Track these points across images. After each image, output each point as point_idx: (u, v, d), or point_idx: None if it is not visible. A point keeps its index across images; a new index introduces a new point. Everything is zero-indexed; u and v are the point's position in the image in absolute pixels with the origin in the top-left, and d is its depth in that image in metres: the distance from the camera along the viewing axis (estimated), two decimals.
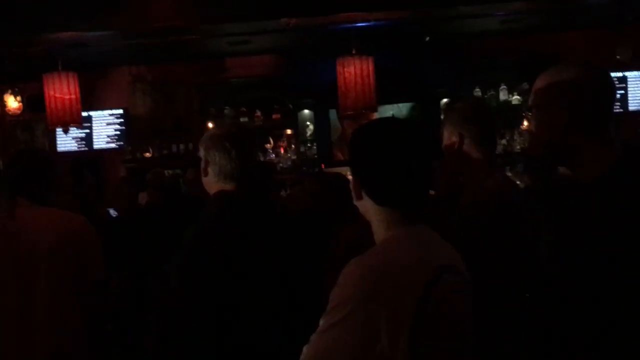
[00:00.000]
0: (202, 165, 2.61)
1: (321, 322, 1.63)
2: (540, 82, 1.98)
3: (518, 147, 9.01)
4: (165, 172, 9.12)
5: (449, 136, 2.81)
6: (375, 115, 8.07)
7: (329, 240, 3.24)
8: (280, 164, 9.26)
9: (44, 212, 2.82)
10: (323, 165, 9.16)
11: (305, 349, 1.66)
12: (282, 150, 9.34)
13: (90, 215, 6.76)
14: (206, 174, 2.59)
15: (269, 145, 9.32)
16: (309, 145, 9.36)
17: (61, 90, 6.17)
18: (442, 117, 9.14)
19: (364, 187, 1.77)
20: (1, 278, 2.70)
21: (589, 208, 1.81)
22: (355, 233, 2.88)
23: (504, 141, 8.96)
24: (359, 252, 1.75)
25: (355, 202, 1.83)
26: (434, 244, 1.75)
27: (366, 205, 1.79)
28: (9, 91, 9.41)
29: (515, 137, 9.07)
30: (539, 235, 2.29)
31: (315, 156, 9.29)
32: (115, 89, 9.42)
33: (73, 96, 6.22)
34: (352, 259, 1.66)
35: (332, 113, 8.94)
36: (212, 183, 2.59)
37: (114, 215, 7.19)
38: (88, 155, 9.48)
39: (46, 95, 6.20)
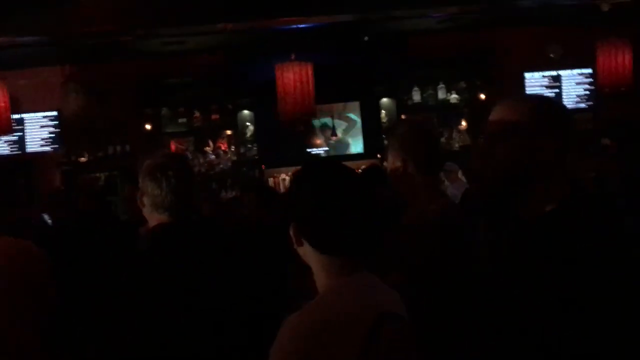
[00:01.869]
0: (139, 195, 2.58)
1: None
2: (500, 111, 1.89)
3: (457, 145, 9.12)
4: (101, 175, 9.02)
5: (393, 161, 2.79)
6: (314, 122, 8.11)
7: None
8: (221, 165, 9.17)
9: (4, 241, 2.79)
10: (263, 167, 9.11)
11: None
12: (222, 151, 9.24)
13: (23, 221, 6.60)
14: (143, 205, 2.58)
15: (208, 147, 9.20)
16: (249, 146, 9.28)
17: None
18: (381, 116, 9.22)
19: (302, 235, 1.73)
20: None
21: (525, 247, 1.80)
22: None
23: (442, 139, 9.06)
24: None
25: (296, 248, 1.79)
26: (374, 291, 1.73)
27: (306, 252, 1.75)
28: None
29: (454, 136, 9.18)
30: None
31: (256, 157, 9.22)
32: (47, 90, 9.11)
33: (2, 104, 5.99)
34: (290, 315, 1.63)
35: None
36: (148, 214, 2.58)
37: (49, 222, 7.00)
38: (21, 159, 9.16)
39: None
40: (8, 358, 2.68)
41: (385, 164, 8.61)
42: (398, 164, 2.74)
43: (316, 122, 8.99)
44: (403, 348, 1.68)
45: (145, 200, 2.55)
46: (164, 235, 2.51)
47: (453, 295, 2.46)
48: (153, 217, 2.56)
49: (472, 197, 4.31)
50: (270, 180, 9.13)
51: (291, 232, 1.75)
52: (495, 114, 1.88)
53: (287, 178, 9.09)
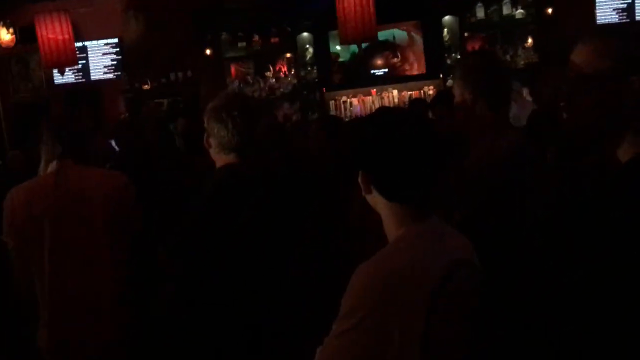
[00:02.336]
0: (205, 137, 2.60)
1: (334, 326, 1.63)
2: (585, 53, 1.70)
3: (522, 63, 8.85)
4: (164, 101, 9.13)
5: (460, 93, 2.70)
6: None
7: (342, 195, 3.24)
8: (281, 89, 9.16)
9: (92, 171, 2.99)
10: (324, 89, 9.06)
11: (318, 351, 1.66)
12: (282, 75, 9.21)
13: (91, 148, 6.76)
14: (210, 146, 2.59)
15: (268, 72, 9.18)
16: (309, 68, 9.21)
17: (54, 30, 6.00)
18: (444, 34, 8.99)
19: (372, 182, 1.72)
20: (64, 233, 2.82)
21: (610, 195, 1.69)
22: None
23: (507, 57, 8.80)
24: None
25: (365, 195, 1.78)
26: (446, 238, 1.72)
27: (376, 200, 1.74)
28: (1, 23, 9.20)
29: (519, 53, 8.89)
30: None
31: (316, 80, 9.15)
32: (109, 17, 9.19)
33: (66, 36, 6.06)
34: (362, 264, 1.64)
35: (333, 35, 8.72)
36: (214, 155, 2.60)
37: (116, 149, 7.16)
38: (86, 86, 9.34)
39: (39, 36, 6.05)
40: (100, 287, 2.87)
41: (448, 84, 8.56)
42: (466, 96, 2.66)
43: (377, 43, 8.80)
44: (474, 294, 1.68)
45: (212, 141, 2.56)
46: (230, 177, 2.52)
47: (519, 233, 2.43)
48: (220, 158, 2.57)
49: (540, 122, 4.19)
50: (331, 103, 9.09)
51: (359, 180, 1.74)
52: (579, 55, 1.73)
53: (348, 100, 9.03)
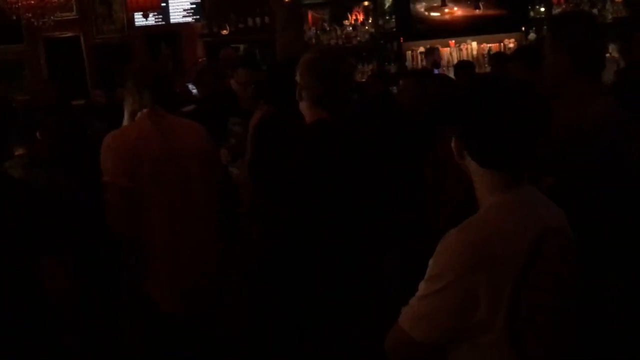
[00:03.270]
0: (297, 90, 2.61)
1: (420, 287, 1.65)
2: None
3: (610, 17, 8.49)
4: (241, 46, 9.17)
5: (553, 53, 2.61)
6: None
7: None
8: (357, 38, 9.07)
9: (181, 120, 3.06)
10: (402, 39, 8.93)
11: (403, 311, 1.69)
12: (359, 23, 9.11)
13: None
14: (301, 99, 2.60)
15: (346, 21, 9.09)
16: (387, 17, 9.08)
17: None
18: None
19: (466, 147, 1.71)
20: (167, 177, 2.86)
21: None
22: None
23: (595, 10, 8.46)
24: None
25: (457, 161, 1.78)
26: (539, 206, 1.71)
27: (469, 166, 1.74)
28: None
29: (607, 7, 8.53)
30: None
31: (394, 29, 9.02)
32: None
33: None
34: (453, 229, 1.64)
35: None
36: (305, 108, 2.60)
37: (194, 92, 7.25)
38: (165, 29, 9.47)
39: None
40: (210, 227, 2.99)
41: (530, 37, 8.32)
42: (559, 57, 2.57)
43: None
44: (564, 263, 1.67)
45: (304, 94, 2.56)
46: (322, 131, 2.53)
47: (614, 199, 2.38)
48: (311, 112, 2.57)
49: (632, 85, 4.03)
50: (408, 54, 8.97)
51: (453, 145, 1.74)
52: None
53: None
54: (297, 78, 2.59)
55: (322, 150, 2.51)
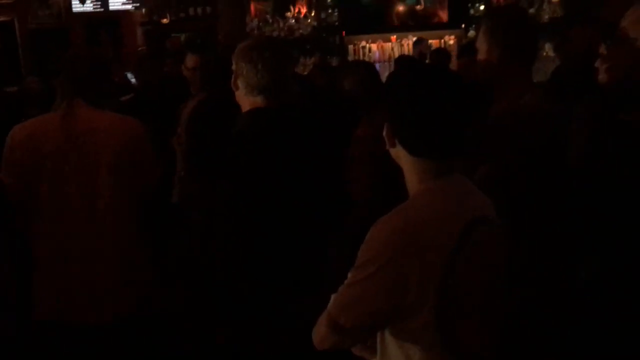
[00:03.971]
0: (233, 78, 2.56)
1: (349, 275, 1.66)
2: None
3: (546, 17, 8.70)
4: (182, 36, 9.05)
5: (486, 49, 2.66)
6: None
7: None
8: (300, 31, 9.07)
9: (103, 115, 2.84)
10: (344, 33, 8.96)
11: (332, 297, 1.70)
12: (301, 16, 9.11)
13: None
14: (237, 88, 2.53)
15: (289, 12, 9.07)
16: (329, 11, 9.10)
17: None
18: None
19: (396, 135, 1.73)
20: (66, 176, 2.71)
21: None
22: (372, 130, 2.87)
23: (532, 10, 8.66)
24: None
25: (388, 149, 1.79)
26: (467, 195, 1.73)
27: (399, 154, 1.75)
28: None
29: (544, 7, 8.73)
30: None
31: (336, 23, 9.05)
32: None
33: None
34: (383, 216, 1.66)
35: None
36: (242, 96, 2.54)
37: (132, 81, 7.13)
38: (104, 16, 9.27)
39: None
40: (100, 239, 2.77)
41: (469, 34, 8.44)
42: (493, 52, 2.62)
43: None
44: (494, 251, 1.69)
45: (240, 82, 2.51)
46: (257, 119, 2.50)
47: (548, 187, 2.44)
48: (247, 100, 2.52)
49: (565, 79, 4.14)
50: (350, 48, 9.00)
51: (384, 133, 1.75)
52: (628, 19, 1.81)
53: (367, 46, 8.94)
54: (233, 66, 2.55)
55: (257, 138, 2.48)
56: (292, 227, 2.43)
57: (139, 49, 8.95)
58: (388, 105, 1.73)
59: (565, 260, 2.33)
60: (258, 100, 2.49)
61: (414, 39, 8.87)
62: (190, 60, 4.12)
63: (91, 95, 2.80)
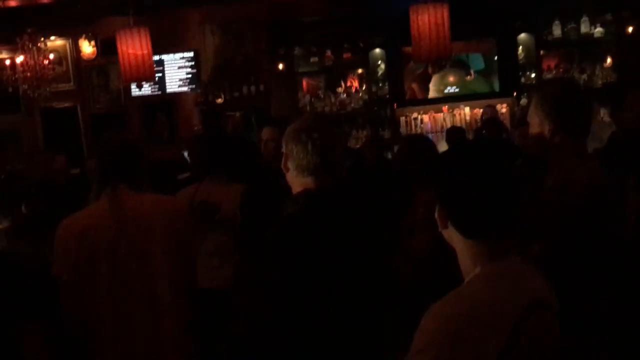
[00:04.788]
0: (283, 160, 2.55)
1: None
2: None
3: (600, 82, 8.63)
4: (236, 114, 9.27)
5: (538, 123, 2.62)
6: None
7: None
8: (352, 104, 9.19)
9: (146, 198, 2.86)
10: (395, 105, 9.03)
11: None
12: (353, 90, 9.24)
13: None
14: (287, 170, 2.50)
15: (340, 88, 9.23)
16: (380, 84, 9.21)
17: (133, 46, 6.18)
18: (519, 52, 8.85)
19: (449, 218, 1.70)
20: (125, 265, 2.72)
21: None
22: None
23: (584, 76, 8.62)
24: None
25: (441, 231, 1.76)
26: (523, 278, 1.69)
27: (452, 236, 1.72)
28: (83, 36, 9.53)
29: (597, 72, 8.68)
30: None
31: (387, 96, 9.14)
32: (185, 31, 9.45)
33: (145, 51, 6.23)
34: (438, 301, 1.62)
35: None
36: (293, 178, 2.50)
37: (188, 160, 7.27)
38: (160, 99, 9.59)
39: (119, 51, 6.24)
40: (163, 320, 2.77)
41: (521, 102, 8.41)
42: (544, 127, 2.59)
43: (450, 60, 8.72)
44: (549, 338, 1.64)
45: (290, 164, 2.48)
46: (308, 202, 2.45)
47: (602, 263, 2.36)
48: (297, 182, 2.49)
49: (621, 147, 4.07)
50: (402, 120, 9.06)
51: (436, 215, 1.73)
52: None
53: (419, 117, 8.99)
54: (283, 149, 2.55)
55: (308, 221, 2.45)
56: (344, 312, 2.38)
57: (195, 128, 9.18)
58: (440, 187, 1.72)
59: None
60: (309, 181, 2.45)
61: (466, 108, 8.90)
62: (266, 133, 4.28)
63: (131, 181, 2.82)
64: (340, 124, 8.71)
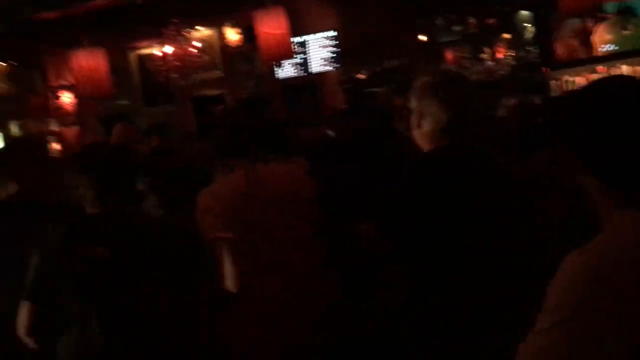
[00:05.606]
0: (415, 117, 2.43)
1: (537, 321, 1.46)
2: None
3: None
4: (380, 89, 9.19)
5: None
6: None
7: None
8: (500, 72, 8.82)
9: (276, 167, 3.05)
10: (546, 69, 8.54)
11: (521, 347, 1.50)
12: (500, 57, 8.86)
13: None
14: (419, 126, 2.41)
15: (485, 54, 8.88)
16: (528, 48, 8.76)
17: (270, 25, 6.27)
18: None
19: (588, 165, 1.50)
20: (265, 232, 2.86)
21: None
22: None
23: None
24: None
25: (572, 174, 1.58)
26: None
27: (588, 183, 1.53)
28: (228, 24, 9.79)
29: None
30: None
31: (537, 59, 8.67)
32: (324, 11, 9.46)
33: (283, 30, 6.30)
34: (575, 251, 1.44)
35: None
36: (424, 136, 2.40)
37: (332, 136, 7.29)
38: (306, 79, 9.70)
39: (257, 32, 6.34)
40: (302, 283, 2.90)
41: None
42: None
43: (609, 9, 8.04)
44: None
45: (425, 121, 2.37)
46: (441, 160, 2.34)
47: None
48: (430, 140, 2.39)
49: None
50: (553, 84, 8.55)
51: (564, 159, 1.54)
52: None
53: (573, 80, 8.43)
54: (413, 104, 2.43)
55: (447, 176, 2.32)
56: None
57: (339, 106, 9.22)
58: (574, 130, 1.52)
59: None
60: (442, 139, 2.34)
61: (624, 67, 8.23)
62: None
63: (264, 152, 3.05)
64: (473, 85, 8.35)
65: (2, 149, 4.74)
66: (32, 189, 3.03)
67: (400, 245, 2.35)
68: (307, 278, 2.91)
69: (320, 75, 9.71)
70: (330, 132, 7.41)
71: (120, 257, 2.55)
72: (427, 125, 2.37)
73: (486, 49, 8.93)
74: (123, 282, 2.56)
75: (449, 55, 9.14)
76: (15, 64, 9.67)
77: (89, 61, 6.77)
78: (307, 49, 9.60)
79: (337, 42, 9.52)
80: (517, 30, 8.73)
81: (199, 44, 8.58)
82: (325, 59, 9.61)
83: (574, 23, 8.32)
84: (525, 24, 8.74)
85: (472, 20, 8.80)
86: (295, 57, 9.36)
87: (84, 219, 2.68)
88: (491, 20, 8.77)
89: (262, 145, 3.09)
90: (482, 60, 8.93)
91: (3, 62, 9.52)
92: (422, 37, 8.92)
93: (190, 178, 3.54)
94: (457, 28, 8.94)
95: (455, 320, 2.26)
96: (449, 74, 2.59)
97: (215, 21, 9.71)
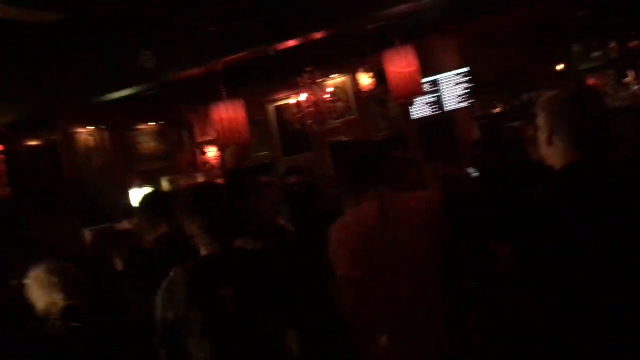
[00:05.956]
0: (545, 133, 2.35)
1: None
2: None
3: None
4: (517, 123, 8.95)
5: None
6: None
7: None
8: None
9: (403, 196, 2.97)
10: None
11: None
12: None
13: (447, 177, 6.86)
14: (549, 143, 2.32)
15: (628, 79, 8.43)
16: None
17: (400, 64, 6.29)
18: None
19: None
20: (398, 264, 2.81)
21: None
22: None
23: None
24: None
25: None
26: None
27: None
28: (361, 69, 9.94)
29: None
30: None
31: None
32: (454, 49, 9.41)
33: (412, 68, 6.29)
34: None
35: None
36: (558, 153, 2.31)
37: (474, 175, 7.15)
38: (441, 117, 9.66)
39: (387, 71, 6.38)
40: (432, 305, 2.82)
41: None
42: None
43: None
44: None
45: (558, 138, 2.29)
46: (576, 177, 2.25)
47: None
48: (561, 156, 2.31)
49: None
50: None
51: None
52: None
53: None
54: (542, 120, 2.35)
55: (569, 198, 2.22)
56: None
57: (474, 141, 9.07)
58: None
59: None
60: (576, 154, 2.26)
61: None
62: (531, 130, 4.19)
63: (392, 182, 2.96)
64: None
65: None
66: (178, 231, 3.15)
67: (538, 265, 2.27)
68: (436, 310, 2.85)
69: (455, 111, 9.60)
70: (471, 170, 7.30)
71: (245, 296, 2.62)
72: (559, 142, 2.29)
73: (630, 73, 8.48)
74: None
75: (590, 82, 8.76)
76: (165, 123, 10.30)
77: (229, 113, 7.07)
78: (440, 87, 9.56)
79: (470, 77, 9.41)
80: None
81: (332, 90, 8.74)
82: (458, 96, 9.51)
83: None
84: None
85: (613, 44, 8.40)
86: (429, 96, 9.34)
87: (207, 260, 2.75)
88: (634, 44, 8.34)
89: (388, 181, 3.05)
90: (626, 85, 8.48)
91: (154, 122, 10.16)
92: (560, 66, 8.61)
93: (326, 212, 3.57)
94: (597, 54, 8.57)
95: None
96: (580, 91, 2.48)
97: (348, 67, 9.89)
